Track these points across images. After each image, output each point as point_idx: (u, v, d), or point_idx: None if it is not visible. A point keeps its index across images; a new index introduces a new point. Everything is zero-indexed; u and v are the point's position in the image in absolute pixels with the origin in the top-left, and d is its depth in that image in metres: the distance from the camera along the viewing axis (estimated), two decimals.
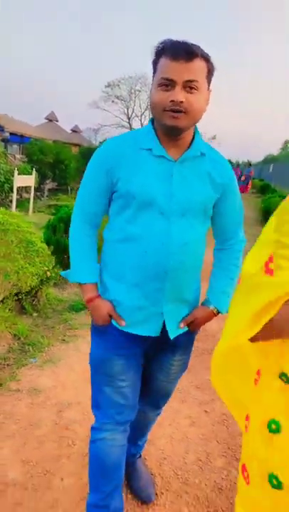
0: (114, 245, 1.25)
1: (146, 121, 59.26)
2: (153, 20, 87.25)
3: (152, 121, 1.22)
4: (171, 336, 1.29)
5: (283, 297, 0.79)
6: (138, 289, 1.22)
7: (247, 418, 0.97)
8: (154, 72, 1.14)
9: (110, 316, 1.27)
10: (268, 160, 29.68)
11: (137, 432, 1.67)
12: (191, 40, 1.10)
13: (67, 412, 2.16)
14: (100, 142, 24.21)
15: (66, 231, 4.55)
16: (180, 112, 1.08)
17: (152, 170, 1.16)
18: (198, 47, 1.09)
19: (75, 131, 30.24)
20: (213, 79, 1.16)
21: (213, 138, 41.43)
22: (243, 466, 0.96)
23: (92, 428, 1.40)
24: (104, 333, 1.31)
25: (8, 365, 2.59)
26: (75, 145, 24.38)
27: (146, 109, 43.06)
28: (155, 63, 1.13)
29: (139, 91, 41.30)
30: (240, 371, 1.05)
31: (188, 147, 1.19)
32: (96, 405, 1.38)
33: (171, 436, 2.06)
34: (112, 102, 40.89)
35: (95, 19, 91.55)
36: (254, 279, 0.86)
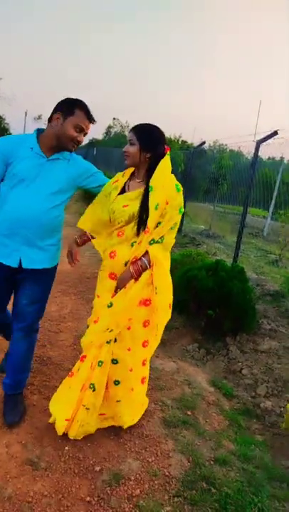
0: None
1: None
2: None
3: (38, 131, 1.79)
4: (24, 266, 1.78)
5: None
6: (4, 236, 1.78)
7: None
8: (68, 113, 1.68)
9: None
10: (93, 144, 29.56)
11: (15, 362, 1.99)
12: None
13: None
14: None
15: None
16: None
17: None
18: None
19: None
20: None
21: (39, 117, 40.38)
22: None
23: None
24: None
25: None
26: None
27: None
28: (71, 108, 1.69)
29: None
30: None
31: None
32: None
33: None
34: None
35: None
36: None
